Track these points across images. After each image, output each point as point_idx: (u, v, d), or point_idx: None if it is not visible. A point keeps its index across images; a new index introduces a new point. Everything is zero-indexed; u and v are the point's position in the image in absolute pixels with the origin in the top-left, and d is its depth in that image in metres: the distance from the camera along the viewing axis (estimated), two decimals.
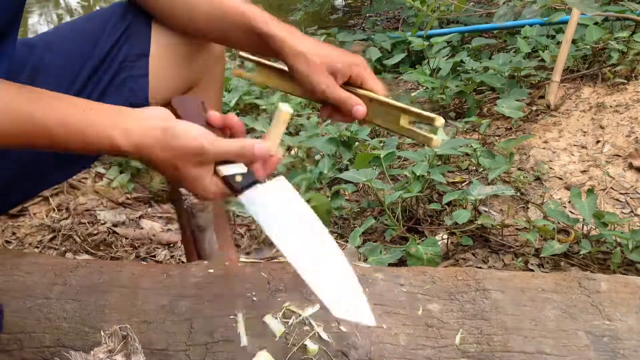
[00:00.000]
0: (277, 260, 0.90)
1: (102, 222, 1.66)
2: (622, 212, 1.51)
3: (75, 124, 0.74)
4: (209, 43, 1.03)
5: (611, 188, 1.60)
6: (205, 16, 0.93)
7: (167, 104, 1.06)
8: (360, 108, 0.85)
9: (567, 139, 1.83)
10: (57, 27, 1.02)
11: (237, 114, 2.38)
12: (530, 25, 2.39)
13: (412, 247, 1.30)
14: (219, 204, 1.17)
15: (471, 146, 1.71)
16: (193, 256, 1.19)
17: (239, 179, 0.75)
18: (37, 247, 1.57)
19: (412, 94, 2.39)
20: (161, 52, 0.99)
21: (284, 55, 0.86)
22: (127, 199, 1.78)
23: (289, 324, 0.78)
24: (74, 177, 1.75)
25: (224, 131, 0.80)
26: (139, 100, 0.98)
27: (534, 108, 2.03)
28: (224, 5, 0.91)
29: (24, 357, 0.80)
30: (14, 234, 1.64)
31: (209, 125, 0.79)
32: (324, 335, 0.76)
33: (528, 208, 1.57)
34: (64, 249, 1.56)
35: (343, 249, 1.46)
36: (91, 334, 0.79)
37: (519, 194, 1.61)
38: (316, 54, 0.85)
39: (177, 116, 0.79)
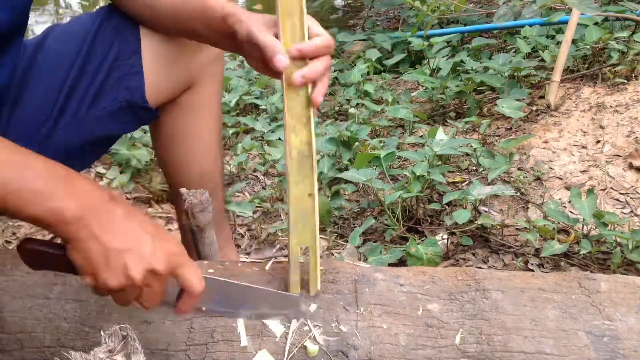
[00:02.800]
0: (277, 260, 0.90)
1: None
2: (622, 212, 1.51)
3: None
4: None
5: (611, 188, 1.60)
6: (172, 14, 0.92)
7: (168, 103, 1.06)
8: (282, 58, 0.74)
9: (567, 139, 1.83)
10: (48, 29, 1.03)
11: (237, 114, 2.38)
12: (530, 25, 2.39)
13: (412, 247, 1.30)
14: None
15: (471, 146, 1.71)
16: (193, 256, 1.19)
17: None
18: None
19: (412, 94, 2.39)
20: (153, 50, 0.99)
21: (234, 23, 0.81)
22: (127, 199, 1.78)
23: (289, 324, 0.78)
24: None
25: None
26: (136, 97, 0.98)
27: (534, 108, 2.03)
28: (186, 4, 0.90)
29: (24, 357, 0.80)
30: (14, 234, 1.64)
31: None
32: (324, 336, 0.76)
33: (528, 208, 1.57)
34: None
35: (343, 249, 1.46)
36: (91, 334, 0.79)
37: (519, 194, 1.61)
38: (263, 17, 0.81)
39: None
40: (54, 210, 0.63)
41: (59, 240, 0.68)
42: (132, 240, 0.67)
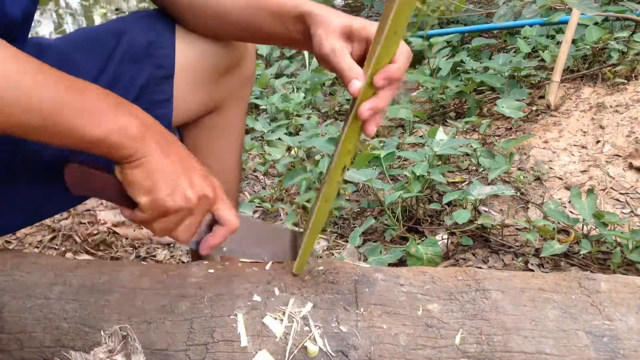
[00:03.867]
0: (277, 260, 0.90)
1: (102, 222, 1.66)
2: (622, 212, 1.51)
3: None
4: (240, 62, 0.96)
5: (611, 188, 1.60)
6: (237, 9, 0.84)
7: (191, 122, 1.01)
8: (356, 83, 0.68)
9: (567, 139, 1.83)
10: (71, 34, 0.92)
11: None
12: (530, 25, 2.39)
13: (412, 247, 1.30)
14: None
15: (471, 146, 1.71)
16: (194, 255, 1.19)
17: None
18: (37, 247, 1.57)
19: (412, 94, 2.39)
20: (186, 74, 0.91)
21: (311, 25, 0.76)
22: None
23: (289, 324, 0.78)
24: None
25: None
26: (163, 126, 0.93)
27: (534, 108, 2.03)
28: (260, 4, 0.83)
29: (24, 357, 0.80)
30: (14, 234, 1.64)
31: None
32: (324, 336, 0.77)
33: (528, 208, 1.57)
34: (64, 249, 1.56)
35: (343, 249, 1.46)
36: (91, 334, 0.79)
37: (519, 194, 1.61)
38: (338, 17, 0.74)
39: None
40: (121, 127, 0.63)
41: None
42: (188, 165, 0.70)
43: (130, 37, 0.88)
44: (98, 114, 0.63)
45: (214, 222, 0.79)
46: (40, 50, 0.86)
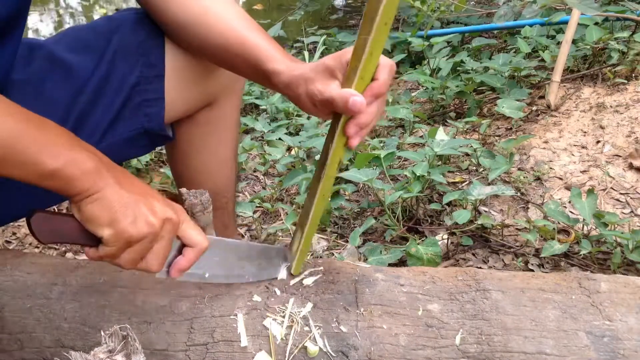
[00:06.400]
0: None
1: None
2: (622, 212, 1.51)
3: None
4: None
5: (611, 188, 1.60)
6: (214, 46, 0.85)
7: (184, 118, 1.02)
8: (356, 99, 0.69)
9: (567, 139, 1.83)
10: (61, 34, 0.93)
11: None
12: (530, 25, 2.39)
13: (412, 247, 1.30)
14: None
15: (471, 146, 1.71)
16: None
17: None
18: (37, 247, 1.57)
19: (412, 94, 2.39)
20: (177, 71, 0.92)
21: (285, 88, 0.79)
22: None
23: (289, 324, 0.78)
24: None
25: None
26: (155, 125, 0.93)
27: (534, 108, 2.03)
28: (230, 39, 0.84)
29: (24, 357, 0.80)
30: (14, 234, 1.64)
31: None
32: (324, 336, 0.76)
33: (528, 208, 1.57)
34: (64, 249, 1.56)
35: (343, 249, 1.46)
36: (91, 334, 0.79)
37: (519, 194, 1.61)
38: (310, 67, 0.76)
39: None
40: (76, 159, 0.64)
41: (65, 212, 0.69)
42: (147, 194, 0.69)
43: (120, 37, 0.89)
44: (55, 147, 0.64)
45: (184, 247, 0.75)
46: (31, 51, 0.87)
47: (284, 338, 0.76)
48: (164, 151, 1.96)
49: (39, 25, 4.42)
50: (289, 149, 1.93)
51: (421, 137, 1.90)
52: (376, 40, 0.65)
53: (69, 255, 1.53)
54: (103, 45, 0.88)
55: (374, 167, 1.60)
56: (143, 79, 0.89)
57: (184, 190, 0.87)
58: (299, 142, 1.84)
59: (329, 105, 0.72)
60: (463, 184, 1.69)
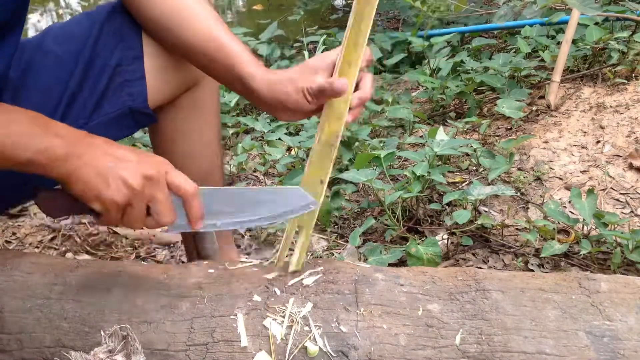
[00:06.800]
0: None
1: None
2: (622, 212, 1.51)
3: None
4: None
5: (611, 188, 1.60)
6: (188, 44, 0.91)
7: (167, 103, 1.05)
8: (342, 80, 0.77)
9: (567, 139, 1.83)
10: (47, 29, 1.01)
11: (237, 114, 2.38)
12: (530, 25, 2.39)
13: (412, 247, 1.30)
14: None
15: (471, 146, 1.71)
16: (193, 256, 1.19)
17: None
18: (37, 247, 1.57)
19: (412, 94, 2.39)
20: (155, 55, 0.98)
21: (261, 90, 0.85)
22: None
23: (289, 324, 0.78)
24: None
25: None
26: (138, 103, 0.98)
27: (534, 108, 2.03)
28: (205, 39, 0.89)
29: (24, 357, 0.80)
30: (14, 234, 1.64)
31: None
32: (324, 336, 0.76)
33: (528, 208, 1.57)
34: (64, 249, 1.56)
35: (343, 249, 1.46)
36: (91, 334, 0.79)
37: (519, 194, 1.61)
38: (294, 70, 0.83)
39: None
40: (45, 150, 0.71)
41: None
42: (119, 157, 0.74)
43: (99, 26, 0.96)
44: (25, 138, 0.71)
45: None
46: (22, 48, 0.93)
47: (284, 338, 0.76)
48: None
49: (39, 25, 4.42)
50: (288, 149, 1.93)
51: (421, 137, 1.90)
52: (355, 31, 0.76)
53: (69, 255, 1.53)
54: (85, 35, 0.96)
55: (374, 167, 1.60)
56: (124, 60, 0.96)
57: None
58: (299, 142, 1.84)
59: (320, 94, 0.79)
60: (463, 184, 1.69)
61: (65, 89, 0.93)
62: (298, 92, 0.81)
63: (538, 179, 1.68)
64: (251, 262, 0.92)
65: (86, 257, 1.51)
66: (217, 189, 0.83)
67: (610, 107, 1.89)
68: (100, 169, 0.72)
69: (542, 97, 2.07)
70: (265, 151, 1.93)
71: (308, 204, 0.82)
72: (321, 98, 0.80)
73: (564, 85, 2.09)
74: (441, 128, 1.77)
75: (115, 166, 0.73)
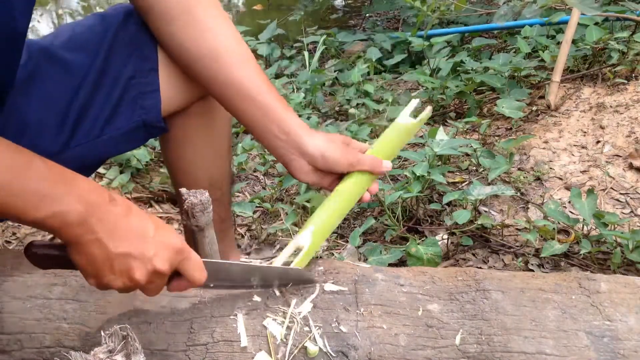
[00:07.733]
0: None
1: None
2: (622, 212, 1.51)
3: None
4: None
5: (611, 188, 1.60)
6: (207, 78, 0.89)
7: (179, 112, 1.03)
8: (388, 162, 0.92)
9: (567, 139, 1.83)
10: (55, 32, 0.94)
11: None
12: (530, 25, 2.39)
13: (412, 247, 1.30)
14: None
15: (471, 146, 1.71)
16: None
17: None
18: None
19: (412, 94, 2.39)
20: (170, 66, 0.93)
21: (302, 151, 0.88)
22: (127, 199, 1.78)
23: (289, 324, 0.78)
24: None
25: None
26: (152, 117, 0.94)
27: (534, 108, 2.03)
28: (231, 75, 0.88)
29: (23, 358, 0.80)
30: (14, 234, 1.64)
31: None
32: (324, 336, 0.76)
33: (528, 208, 1.57)
34: None
35: (343, 249, 1.46)
36: (91, 334, 0.79)
37: (519, 194, 1.61)
38: (331, 141, 0.89)
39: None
40: (58, 214, 0.62)
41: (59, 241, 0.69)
42: (134, 243, 0.67)
43: (113, 33, 0.90)
44: (38, 197, 0.62)
45: None
46: (29, 51, 0.87)
47: (284, 338, 0.76)
48: None
49: (38, 25, 4.42)
50: None
51: (421, 137, 1.90)
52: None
53: None
54: (97, 42, 0.90)
55: None
56: (138, 72, 0.91)
57: (183, 190, 0.87)
58: None
59: (352, 166, 0.89)
60: (463, 184, 1.69)
61: (74, 99, 0.88)
62: (345, 162, 0.89)
63: (538, 179, 1.68)
64: (251, 262, 0.92)
65: None
66: (224, 266, 0.80)
67: (610, 107, 1.89)
68: (109, 254, 0.66)
69: (542, 97, 2.07)
70: (265, 151, 1.93)
71: (307, 279, 0.84)
72: (342, 170, 0.89)
73: (564, 85, 2.09)
74: (441, 128, 1.77)
75: (126, 255, 0.66)
